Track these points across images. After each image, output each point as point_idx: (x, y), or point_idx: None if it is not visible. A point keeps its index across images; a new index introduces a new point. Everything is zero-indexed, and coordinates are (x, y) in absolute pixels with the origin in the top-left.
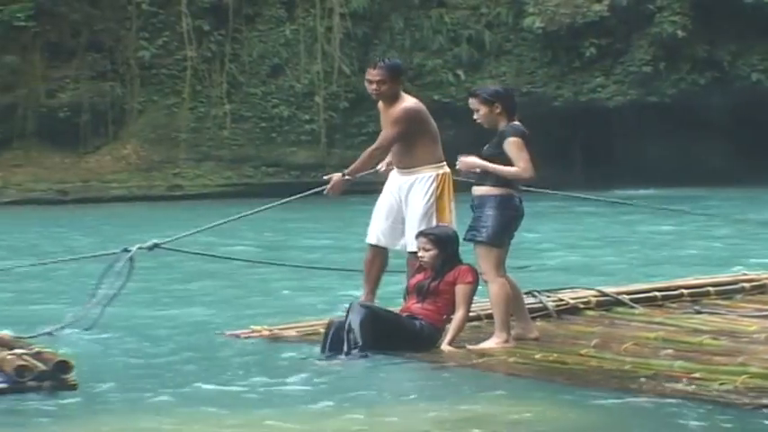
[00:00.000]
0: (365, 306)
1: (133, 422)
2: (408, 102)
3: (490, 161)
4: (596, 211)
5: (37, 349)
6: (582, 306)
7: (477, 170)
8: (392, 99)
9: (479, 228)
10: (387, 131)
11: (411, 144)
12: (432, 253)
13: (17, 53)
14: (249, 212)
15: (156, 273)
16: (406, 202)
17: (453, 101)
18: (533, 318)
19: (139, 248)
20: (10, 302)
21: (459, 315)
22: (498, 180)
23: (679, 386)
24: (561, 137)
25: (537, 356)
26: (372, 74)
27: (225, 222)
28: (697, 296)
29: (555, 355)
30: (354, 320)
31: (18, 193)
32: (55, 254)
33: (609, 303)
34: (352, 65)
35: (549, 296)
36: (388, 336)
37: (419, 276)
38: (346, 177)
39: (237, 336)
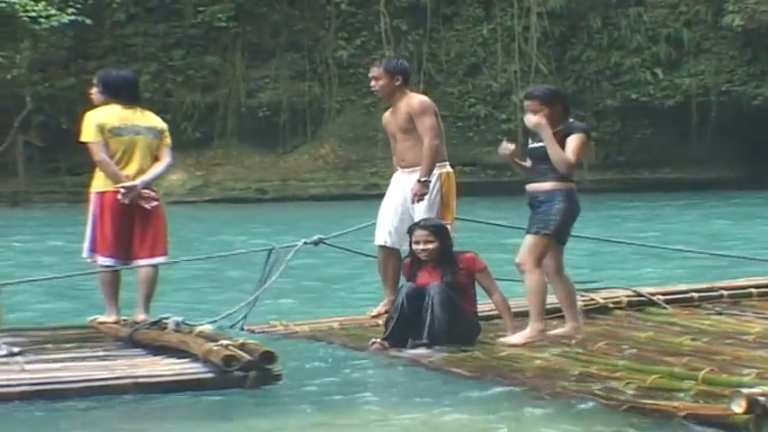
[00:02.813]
0: (444, 290)
1: (338, 417)
2: (420, 96)
3: (547, 157)
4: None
5: (242, 341)
6: (612, 306)
7: (541, 128)
8: (397, 96)
9: (548, 221)
10: (424, 123)
11: (417, 141)
12: (434, 245)
13: (218, 54)
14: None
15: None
16: (413, 200)
17: (651, 99)
18: (560, 317)
19: (305, 243)
20: (184, 296)
21: (498, 299)
22: (559, 174)
23: (578, 385)
24: (760, 136)
25: (482, 355)
26: (372, 71)
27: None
28: (737, 297)
29: (511, 352)
30: (437, 305)
31: (218, 191)
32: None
33: (642, 303)
34: (549, 64)
35: (583, 296)
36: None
37: (425, 276)
38: (423, 180)
39: (253, 331)
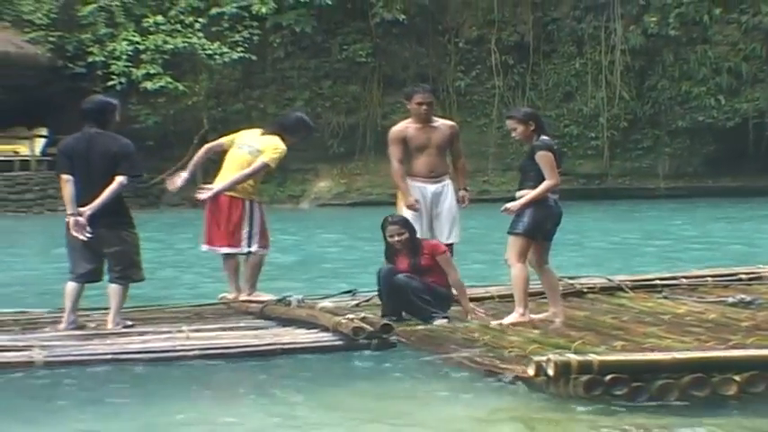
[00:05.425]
0: (410, 279)
1: (429, 385)
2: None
3: (525, 170)
4: None
5: (363, 314)
6: (586, 290)
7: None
8: (433, 117)
9: (518, 222)
10: (460, 144)
11: (444, 157)
12: (405, 236)
13: (358, 84)
14: None
15: None
16: (437, 204)
17: (715, 121)
18: (545, 298)
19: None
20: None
21: (454, 278)
22: (532, 184)
23: (471, 352)
24: None
25: (427, 328)
26: (427, 97)
27: None
28: (695, 285)
29: (464, 326)
30: (419, 286)
31: (358, 196)
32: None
33: (613, 289)
34: (630, 91)
35: (566, 282)
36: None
37: (400, 260)
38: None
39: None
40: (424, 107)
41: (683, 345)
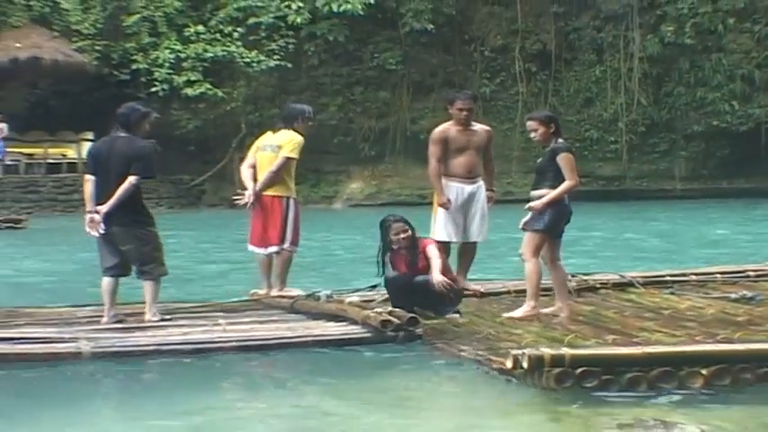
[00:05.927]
0: (425, 279)
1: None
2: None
3: (543, 170)
4: None
5: (389, 308)
6: (599, 286)
7: (537, 210)
8: (471, 122)
9: (539, 220)
10: (489, 151)
11: (481, 158)
12: (409, 233)
13: (388, 90)
14: None
15: None
16: (472, 204)
17: (729, 125)
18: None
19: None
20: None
21: (442, 261)
22: (550, 183)
23: (471, 344)
24: None
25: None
26: (467, 104)
27: None
28: (704, 281)
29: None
30: (432, 291)
31: (388, 196)
32: None
33: (624, 285)
34: (648, 97)
35: (580, 278)
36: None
37: (399, 261)
38: (495, 189)
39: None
40: (465, 112)
41: (673, 338)
